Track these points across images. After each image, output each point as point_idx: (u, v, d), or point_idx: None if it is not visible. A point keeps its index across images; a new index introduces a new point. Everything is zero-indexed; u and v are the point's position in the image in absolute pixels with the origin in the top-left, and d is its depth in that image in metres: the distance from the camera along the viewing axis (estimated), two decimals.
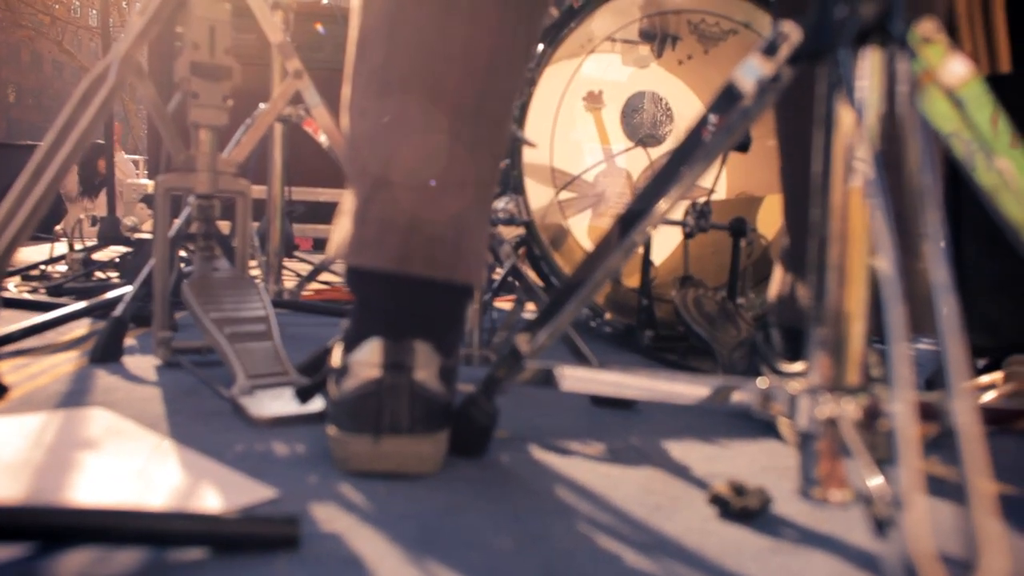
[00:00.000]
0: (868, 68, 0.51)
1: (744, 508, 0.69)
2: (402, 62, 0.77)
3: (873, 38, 0.51)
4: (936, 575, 0.38)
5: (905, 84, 0.50)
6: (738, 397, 0.63)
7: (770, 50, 0.59)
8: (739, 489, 0.70)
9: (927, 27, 0.54)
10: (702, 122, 0.65)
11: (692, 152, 0.66)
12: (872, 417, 0.54)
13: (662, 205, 0.70)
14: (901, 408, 0.44)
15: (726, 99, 0.62)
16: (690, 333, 1.52)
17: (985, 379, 1.15)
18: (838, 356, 0.54)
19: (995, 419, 1.07)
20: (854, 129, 0.50)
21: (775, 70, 0.59)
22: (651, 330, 1.66)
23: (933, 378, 1.41)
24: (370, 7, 0.80)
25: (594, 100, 1.89)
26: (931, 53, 0.55)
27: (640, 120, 1.92)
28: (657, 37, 1.89)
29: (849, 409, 0.51)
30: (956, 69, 0.55)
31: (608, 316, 1.78)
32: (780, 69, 0.58)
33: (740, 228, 1.68)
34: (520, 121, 1.71)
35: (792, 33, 0.57)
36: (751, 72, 0.60)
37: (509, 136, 0.86)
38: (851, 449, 0.53)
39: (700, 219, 1.68)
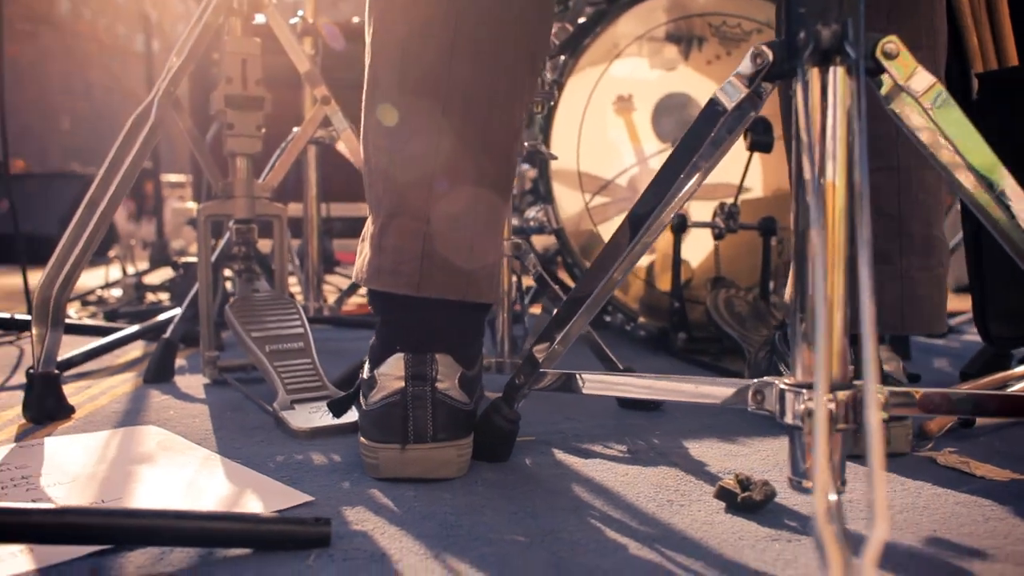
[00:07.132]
0: (833, 86, 0.55)
1: (747, 500, 0.72)
2: (411, 101, 0.83)
3: (835, 58, 0.55)
4: (835, 553, 0.42)
5: (856, 102, 0.53)
6: (734, 394, 0.67)
7: (748, 70, 0.63)
8: (744, 483, 0.74)
9: (890, 44, 0.57)
10: (690, 135, 0.69)
11: (685, 163, 0.70)
12: (855, 411, 0.57)
13: (663, 211, 0.74)
14: (819, 399, 0.48)
15: (709, 116, 0.67)
16: (721, 334, 1.54)
17: (1020, 370, 1.15)
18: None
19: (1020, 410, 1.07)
20: (818, 145, 0.54)
21: (752, 89, 0.63)
22: (684, 332, 1.68)
23: (967, 369, 1.42)
24: (380, 47, 0.86)
25: (624, 103, 1.92)
26: (897, 68, 0.58)
27: (672, 121, 1.93)
28: (683, 40, 1.91)
29: (822, 404, 0.55)
30: (922, 81, 0.59)
31: (642, 319, 1.81)
32: (756, 88, 0.62)
33: (770, 227, 1.69)
34: (546, 131, 1.75)
35: (767, 54, 0.61)
36: (730, 91, 0.64)
37: (517, 166, 0.92)
38: (838, 442, 0.56)
39: (728, 220, 1.70)
